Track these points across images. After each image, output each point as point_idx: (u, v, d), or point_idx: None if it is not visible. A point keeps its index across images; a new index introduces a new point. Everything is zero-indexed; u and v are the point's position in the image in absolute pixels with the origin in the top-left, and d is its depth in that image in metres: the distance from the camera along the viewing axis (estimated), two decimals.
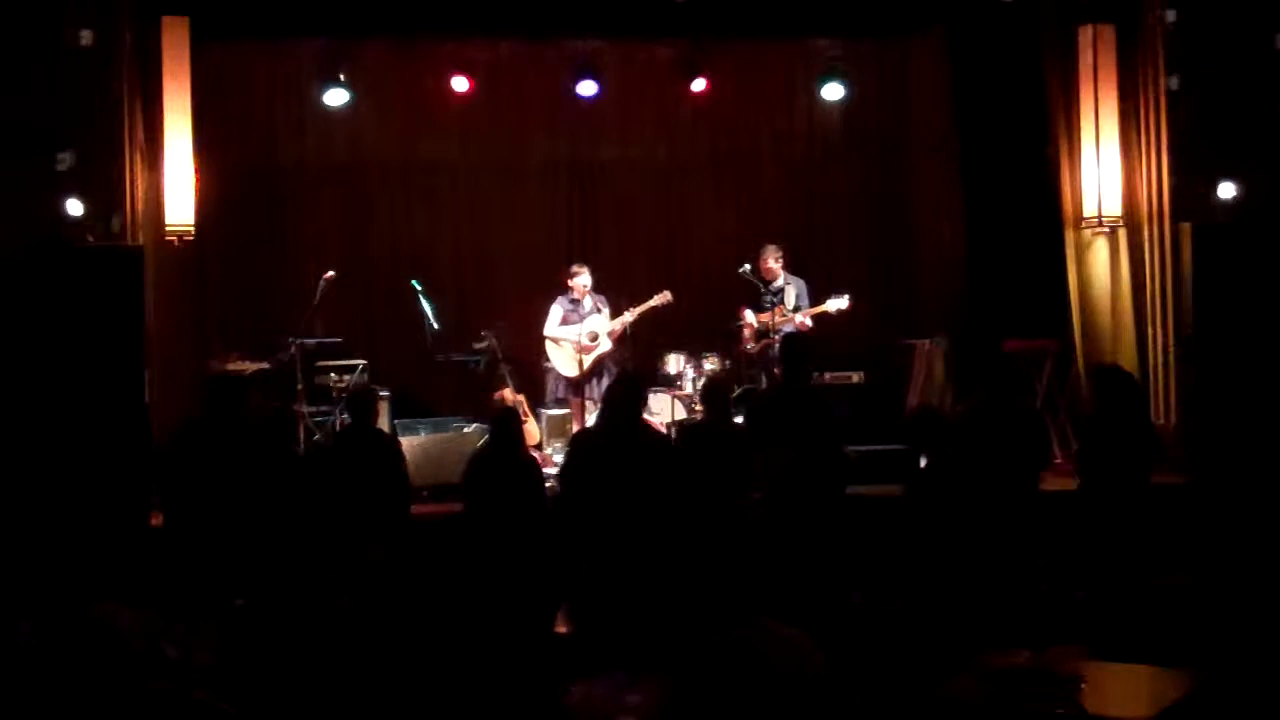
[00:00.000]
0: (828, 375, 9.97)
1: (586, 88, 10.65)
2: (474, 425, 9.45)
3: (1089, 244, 9.85)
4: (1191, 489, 8.09)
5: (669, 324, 10.42)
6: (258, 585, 5.95)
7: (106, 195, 8.48)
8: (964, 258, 10.98)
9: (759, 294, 10.12)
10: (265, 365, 9.50)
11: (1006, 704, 4.32)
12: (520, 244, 11.38)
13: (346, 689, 4.52)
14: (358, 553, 5.61)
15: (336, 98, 10.28)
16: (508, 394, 9.89)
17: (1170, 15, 9.15)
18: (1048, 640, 5.00)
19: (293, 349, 9.53)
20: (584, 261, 10.36)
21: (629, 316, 10.00)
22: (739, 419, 8.07)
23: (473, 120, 11.24)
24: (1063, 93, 9.84)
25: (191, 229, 9.13)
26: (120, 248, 8.33)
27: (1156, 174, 9.49)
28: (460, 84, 10.74)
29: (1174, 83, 9.17)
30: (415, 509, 7.77)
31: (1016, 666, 4.55)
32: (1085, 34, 9.69)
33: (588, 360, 10.02)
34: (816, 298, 10.05)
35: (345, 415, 8.59)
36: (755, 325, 10.12)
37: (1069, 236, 9.87)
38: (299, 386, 9.50)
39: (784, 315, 9.89)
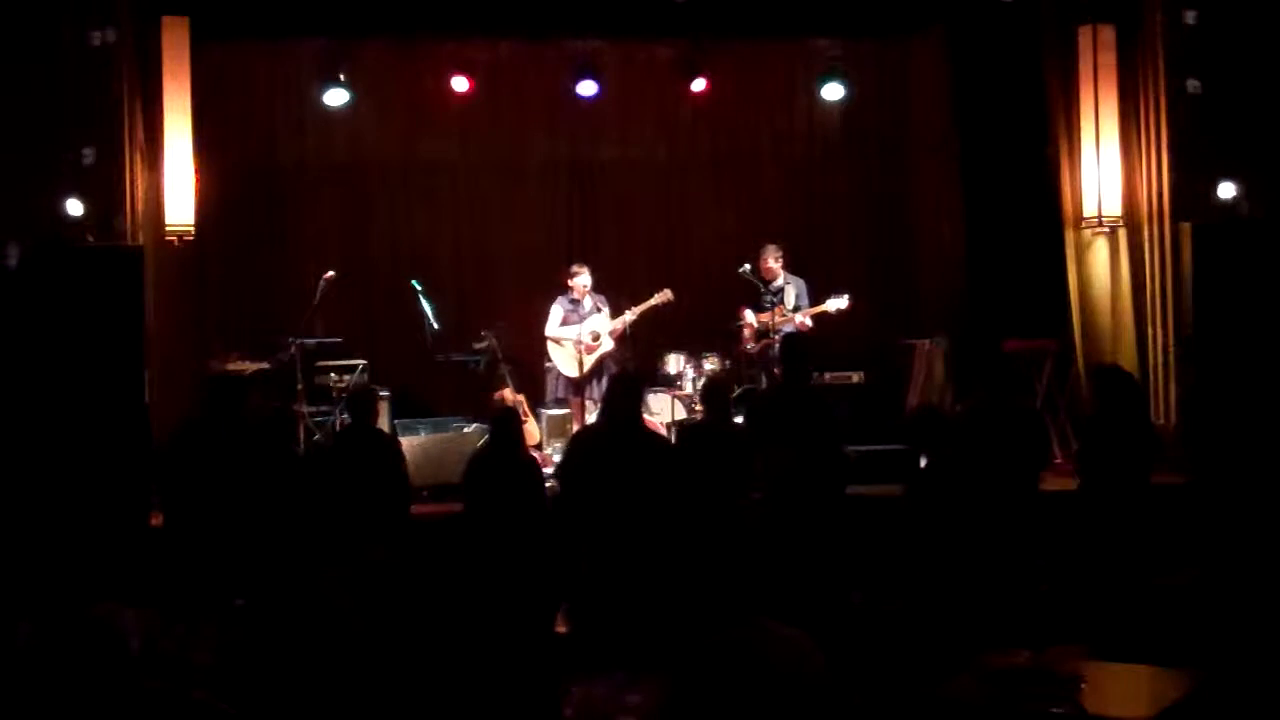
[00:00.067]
0: (828, 375, 9.97)
1: (586, 88, 10.65)
2: (474, 425, 9.45)
3: (1089, 244, 9.85)
4: (1191, 489, 8.08)
5: (669, 324, 10.42)
6: (258, 585, 5.95)
7: (106, 195, 8.48)
8: (964, 258, 10.98)
9: (759, 294, 10.11)
10: (265, 365, 9.50)
11: (1006, 704, 4.32)
12: (520, 244, 11.39)
13: (346, 689, 4.52)
14: (358, 553, 5.61)
15: (336, 98, 10.28)
16: (508, 394, 9.89)
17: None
18: (1048, 640, 5.00)
19: (293, 349, 9.54)
20: (584, 261, 10.36)
21: (630, 316, 10.00)
22: (739, 419, 8.07)
23: (473, 120, 11.24)
24: (1063, 93, 9.84)
25: (191, 229, 9.13)
26: (120, 248, 8.33)
27: (1156, 174, 9.49)
28: (460, 84, 10.74)
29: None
30: (415, 509, 7.77)
31: (1016, 666, 4.54)
32: (1085, 34, 9.69)
33: (589, 360, 10.02)
34: (816, 298, 10.05)
35: (345, 415, 8.59)
36: (755, 325, 10.12)
37: (1069, 236, 9.87)
38: (299, 386, 9.50)
39: (784, 315, 9.89)
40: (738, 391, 9.60)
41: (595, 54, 10.79)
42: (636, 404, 7.38)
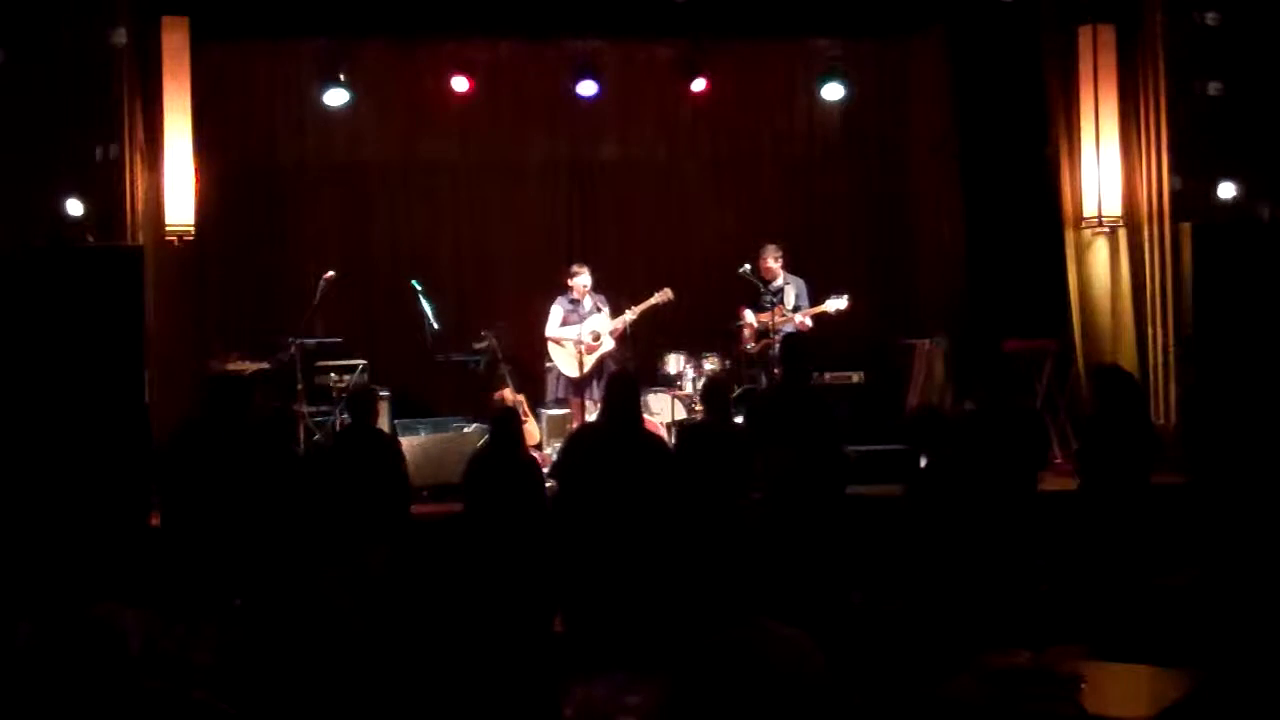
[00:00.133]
0: (828, 375, 9.96)
1: (586, 88, 10.65)
2: (474, 425, 9.45)
3: (1089, 244, 9.85)
4: (1191, 489, 8.08)
5: (669, 324, 10.42)
6: (257, 585, 5.95)
7: (106, 195, 8.48)
8: (964, 258, 10.98)
9: (759, 294, 10.11)
10: (265, 365, 9.49)
11: (1006, 704, 4.32)
12: (520, 244, 11.39)
13: (346, 689, 4.52)
14: (358, 553, 5.61)
15: (336, 98, 10.28)
16: (508, 394, 9.89)
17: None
18: (1048, 640, 5.00)
19: (293, 349, 9.53)
20: (584, 261, 10.36)
21: (630, 315, 10.00)
22: (739, 419, 8.07)
23: (473, 120, 11.24)
24: (1063, 93, 9.84)
25: (191, 229, 9.13)
26: (120, 248, 8.33)
27: (1156, 174, 9.49)
28: (460, 84, 10.74)
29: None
30: (415, 509, 7.77)
31: (1016, 666, 4.54)
32: (1085, 34, 9.68)
33: (589, 360, 10.02)
34: (816, 298, 10.05)
35: (345, 415, 8.59)
36: (755, 325, 10.12)
37: (1069, 236, 9.87)
38: (299, 386, 9.50)
39: (784, 315, 9.89)
40: (738, 391, 9.60)
41: (595, 54, 10.79)
42: (637, 402, 7.38)
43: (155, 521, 7.52)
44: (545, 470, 7.71)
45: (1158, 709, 4.28)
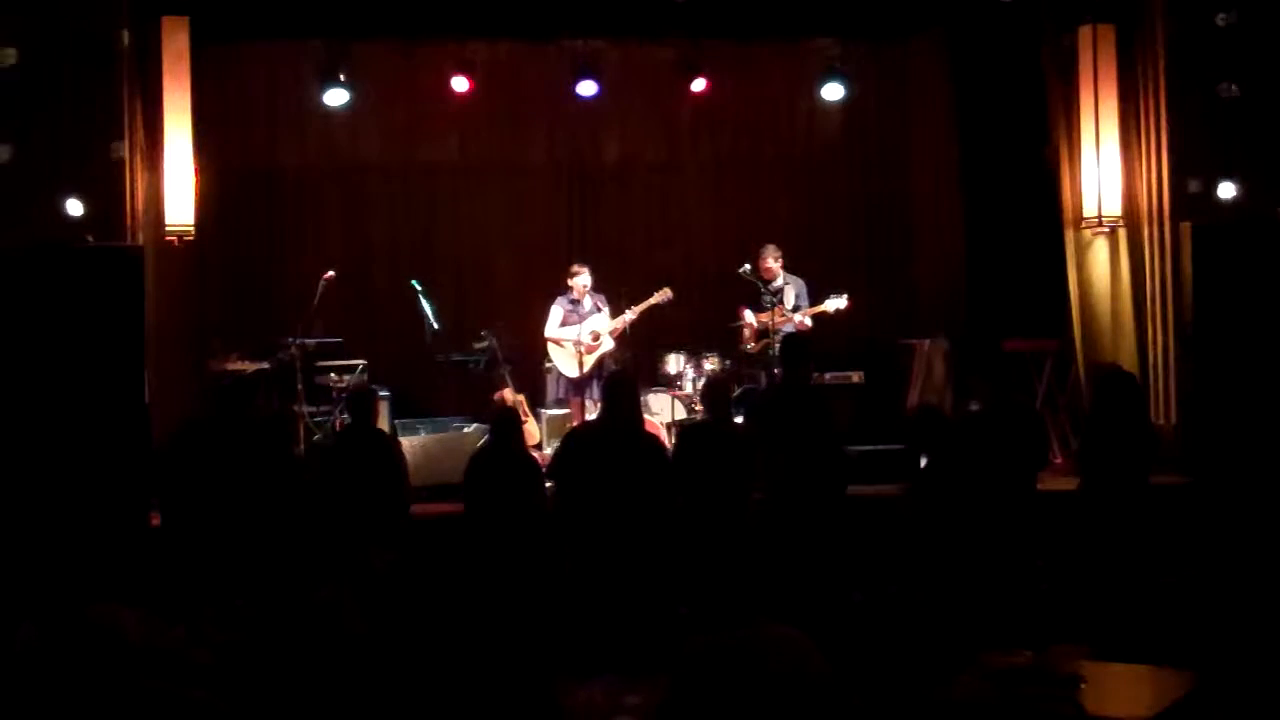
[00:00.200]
0: (828, 375, 9.96)
1: (586, 88, 10.64)
2: (474, 425, 9.45)
3: (1089, 244, 9.84)
4: (1191, 489, 8.08)
5: (669, 324, 10.42)
6: (258, 586, 5.94)
7: (106, 195, 8.47)
8: (964, 258, 10.99)
9: (759, 294, 10.10)
10: (265, 365, 9.49)
11: (1006, 704, 4.32)
12: (520, 244, 11.39)
13: (346, 689, 4.51)
14: (357, 553, 5.61)
15: (336, 98, 10.27)
16: (508, 394, 9.89)
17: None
18: (1048, 640, 5.00)
19: (293, 349, 9.53)
20: (584, 261, 10.36)
21: (630, 315, 9.99)
22: (739, 419, 8.07)
23: (473, 120, 11.25)
24: (1063, 93, 9.83)
25: (191, 229, 9.12)
26: (120, 248, 8.32)
27: (1156, 174, 9.49)
28: (460, 84, 10.72)
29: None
30: (415, 509, 7.77)
31: (1016, 666, 4.54)
32: (1085, 34, 9.68)
33: (589, 360, 10.02)
34: (816, 298, 10.05)
35: (345, 415, 8.59)
36: (755, 325, 10.12)
37: (1069, 236, 9.86)
38: (299, 386, 9.49)
39: (784, 315, 9.88)
40: (738, 391, 9.60)
41: (595, 54, 10.78)
42: (636, 402, 7.38)
43: (155, 522, 7.52)
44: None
45: (1158, 709, 4.28)
